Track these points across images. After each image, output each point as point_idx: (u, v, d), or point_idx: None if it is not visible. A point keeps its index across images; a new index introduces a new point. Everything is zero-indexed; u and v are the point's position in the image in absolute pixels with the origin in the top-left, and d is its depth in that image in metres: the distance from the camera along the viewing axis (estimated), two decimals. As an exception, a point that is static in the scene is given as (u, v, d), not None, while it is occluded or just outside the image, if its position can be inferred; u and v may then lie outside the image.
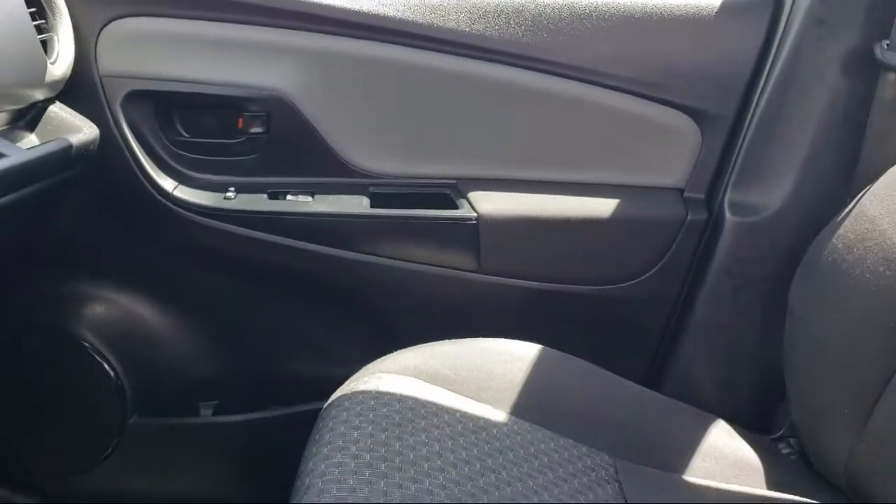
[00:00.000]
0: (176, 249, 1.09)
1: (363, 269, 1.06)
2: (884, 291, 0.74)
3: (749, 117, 1.01)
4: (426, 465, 0.69)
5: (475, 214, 1.04)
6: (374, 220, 1.04)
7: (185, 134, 1.07)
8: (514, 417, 0.81)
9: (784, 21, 0.98)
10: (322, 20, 0.99)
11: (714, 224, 1.04)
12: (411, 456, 0.69)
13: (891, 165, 0.83)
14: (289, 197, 1.06)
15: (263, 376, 1.18)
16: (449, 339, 0.92)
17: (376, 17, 0.99)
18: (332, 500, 0.63)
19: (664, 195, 1.07)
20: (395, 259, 1.06)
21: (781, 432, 1.01)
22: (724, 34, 1.00)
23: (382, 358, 0.87)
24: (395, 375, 0.82)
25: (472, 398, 0.82)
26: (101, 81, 1.00)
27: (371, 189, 1.07)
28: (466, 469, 0.70)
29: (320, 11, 0.98)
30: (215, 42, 1.01)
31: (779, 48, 0.98)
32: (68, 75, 0.96)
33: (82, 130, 0.95)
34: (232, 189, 1.06)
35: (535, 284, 1.08)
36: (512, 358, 0.89)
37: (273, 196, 1.06)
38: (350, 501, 0.63)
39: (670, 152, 1.06)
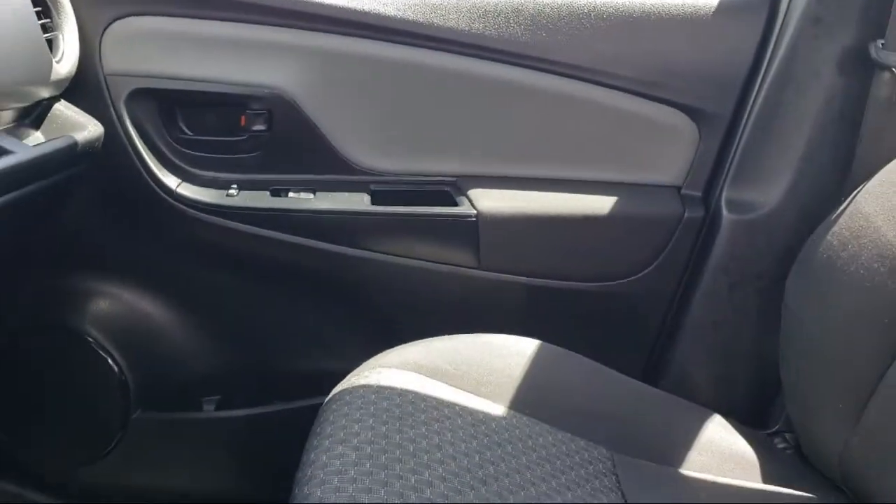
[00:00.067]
0: (179, 246, 1.09)
1: (364, 266, 1.07)
2: (878, 287, 0.75)
3: (746, 116, 1.01)
4: (426, 457, 0.69)
5: (475, 211, 1.05)
6: (374, 217, 1.05)
7: (188, 132, 1.07)
8: (512, 411, 0.82)
9: (780, 20, 0.99)
10: (323, 20, 1.00)
11: (711, 221, 1.04)
12: (411, 448, 0.70)
13: (886, 163, 0.84)
14: (290, 194, 1.07)
15: (265, 371, 1.18)
16: (449, 334, 0.92)
17: (377, 16, 0.99)
18: (333, 490, 0.64)
19: (662, 192, 1.07)
20: (396, 256, 1.07)
21: (777, 427, 1.01)
22: (722, 33, 1.01)
23: (383, 353, 0.88)
24: (395, 370, 0.83)
25: (471, 392, 0.83)
26: (105, 80, 1.01)
27: (372, 186, 1.07)
28: (465, 461, 0.71)
29: (322, 11, 0.99)
30: (218, 41, 1.01)
31: (775, 47, 0.99)
32: (73, 73, 0.97)
33: (87, 128, 0.96)
34: (234, 186, 1.06)
35: (533, 281, 1.08)
36: (511, 353, 0.90)
37: (275, 193, 1.07)
38: (351, 491, 0.63)
39: (668, 150, 1.06)
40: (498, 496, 0.67)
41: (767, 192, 1.00)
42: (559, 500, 0.70)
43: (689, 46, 1.01)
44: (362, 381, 0.81)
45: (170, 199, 1.05)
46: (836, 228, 0.83)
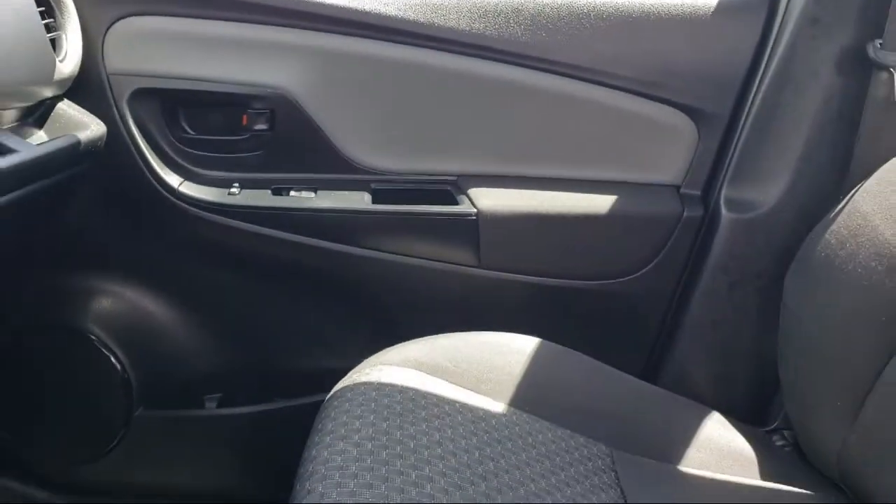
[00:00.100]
0: (181, 244, 1.10)
1: (365, 264, 1.07)
2: (875, 286, 0.75)
3: (745, 115, 1.02)
4: (426, 453, 0.70)
5: (475, 210, 1.05)
6: (375, 215, 1.06)
7: (190, 131, 1.07)
8: (512, 408, 0.82)
9: (779, 20, 0.99)
10: (325, 19, 1.00)
11: (710, 220, 1.05)
12: (412, 444, 0.71)
13: (883, 163, 0.84)
14: (292, 193, 1.07)
15: (267, 369, 1.19)
16: (449, 332, 0.93)
17: (378, 16, 1.00)
18: (334, 486, 0.64)
19: (661, 192, 1.08)
20: (397, 254, 1.07)
21: (775, 424, 1.01)
22: (721, 33, 1.01)
23: (384, 350, 0.88)
24: (396, 367, 0.84)
25: (471, 390, 0.84)
26: (108, 79, 1.01)
27: (373, 185, 1.08)
28: (466, 457, 0.71)
29: (323, 11, 1.00)
30: (220, 41, 1.02)
31: (774, 47, 0.99)
32: (76, 73, 0.97)
33: (90, 127, 0.96)
34: (236, 185, 1.07)
35: (533, 279, 1.09)
36: (511, 351, 0.90)
37: (277, 192, 1.07)
38: (352, 486, 0.64)
39: (667, 150, 1.07)
40: (497, 492, 0.68)
41: (766, 191, 1.00)
42: (559, 496, 0.71)
43: (688, 46, 1.02)
44: (363, 379, 0.82)
45: (172, 198, 1.05)
46: (834, 227, 0.84)
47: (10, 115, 0.90)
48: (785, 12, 0.99)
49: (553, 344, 0.93)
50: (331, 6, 0.99)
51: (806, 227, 0.90)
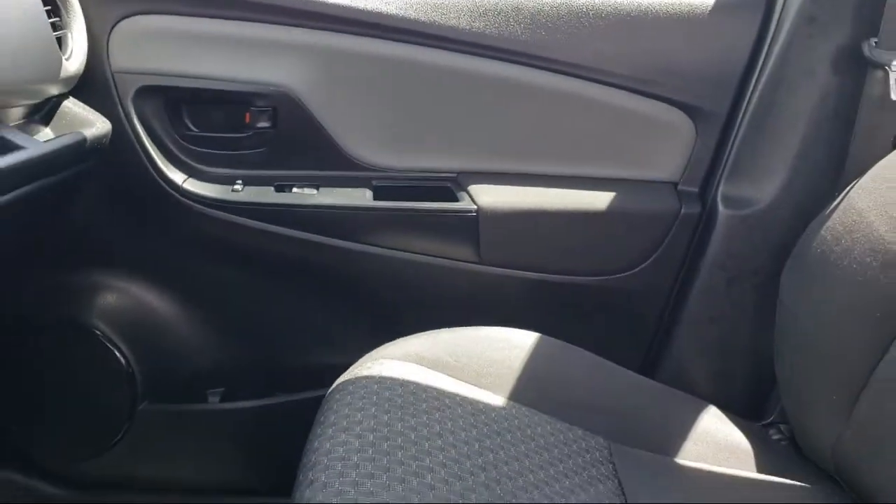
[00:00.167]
0: (185, 240, 1.10)
1: (366, 260, 1.08)
2: (870, 282, 0.76)
3: (742, 113, 1.02)
4: (427, 445, 0.71)
5: (475, 207, 1.06)
6: (376, 212, 1.06)
7: (193, 128, 1.08)
8: (512, 402, 0.83)
9: (776, 19, 1.00)
10: (326, 18, 1.01)
11: (707, 217, 1.05)
12: (413, 436, 0.71)
13: (878, 160, 0.85)
14: (294, 190, 1.08)
15: (270, 364, 1.19)
16: (450, 327, 0.93)
17: (380, 14, 1.00)
18: (336, 475, 0.65)
19: (659, 189, 1.08)
20: (398, 250, 1.08)
21: (772, 418, 1.02)
22: (718, 32, 1.02)
23: (385, 345, 0.89)
24: (397, 361, 0.84)
25: (471, 384, 0.84)
26: (112, 77, 1.02)
27: (374, 182, 1.09)
28: (465, 448, 0.72)
29: (325, 10, 1.00)
30: (223, 39, 1.02)
31: (771, 46, 1.00)
32: (81, 71, 0.98)
33: (95, 125, 0.97)
34: (239, 182, 1.07)
35: (533, 275, 1.09)
36: (510, 346, 0.91)
37: (279, 189, 1.08)
38: (354, 476, 0.65)
39: (665, 147, 1.07)
40: (496, 482, 0.69)
41: (763, 188, 1.01)
42: (556, 487, 0.71)
43: (685, 45, 1.02)
44: (365, 372, 0.82)
45: (176, 195, 1.06)
46: (829, 224, 0.84)
47: (17, 113, 0.90)
48: (782, 11, 0.99)
49: (552, 339, 0.94)
50: (333, 5, 1.00)
51: (802, 224, 0.91)
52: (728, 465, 0.84)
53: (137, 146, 1.04)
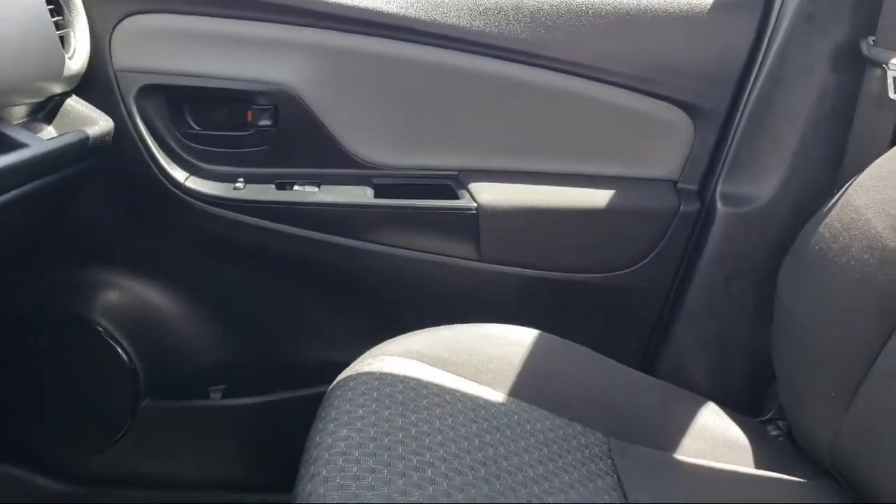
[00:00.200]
0: (187, 238, 1.11)
1: (367, 258, 1.08)
2: (868, 279, 0.77)
3: (740, 111, 1.03)
4: (427, 440, 0.71)
5: (475, 204, 1.06)
6: (377, 209, 1.06)
7: (195, 126, 1.09)
8: (511, 398, 0.84)
9: (774, 18, 1.00)
10: (328, 17, 1.01)
11: (706, 215, 1.06)
12: (413, 431, 0.72)
13: (876, 157, 0.85)
14: (296, 187, 1.08)
15: (271, 361, 1.20)
16: (450, 324, 0.94)
17: (380, 13, 1.01)
18: (337, 470, 0.66)
19: (658, 186, 1.09)
20: (398, 248, 1.08)
21: (770, 414, 1.02)
22: (717, 31, 1.02)
23: (386, 342, 0.90)
24: (398, 358, 0.85)
25: (471, 380, 0.85)
26: (115, 76, 1.02)
27: (375, 180, 1.09)
28: (465, 443, 0.73)
29: (326, 9, 1.01)
30: (225, 38, 1.03)
31: (769, 44, 1.00)
32: (84, 70, 0.98)
33: (98, 123, 0.97)
34: (241, 180, 1.08)
35: (532, 272, 1.10)
36: (510, 342, 0.92)
37: (281, 186, 1.08)
38: (355, 471, 0.65)
39: (664, 145, 1.08)
40: (496, 477, 0.70)
41: (761, 185, 1.01)
42: (556, 482, 0.72)
43: (685, 44, 1.02)
44: (366, 369, 0.83)
45: (178, 193, 1.06)
46: (827, 221, 0.85)
47: (21, 111, 0.91)
48: (780, 9, 1.00)
49: (552, 336, 0.94)
50: (334, 4, 1.00)
51: (801, 222, 0.91)
52: (726, 461, 0.84)
53: (140, 144, 1.04)
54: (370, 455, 0.68)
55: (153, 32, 1.02)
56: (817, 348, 0.83)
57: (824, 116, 0.98)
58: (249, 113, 1.06)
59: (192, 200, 1.06)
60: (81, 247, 1.13)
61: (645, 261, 1.09)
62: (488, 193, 1.07)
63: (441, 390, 0.81)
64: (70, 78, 0.95)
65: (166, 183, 1.06)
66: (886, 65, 0.89)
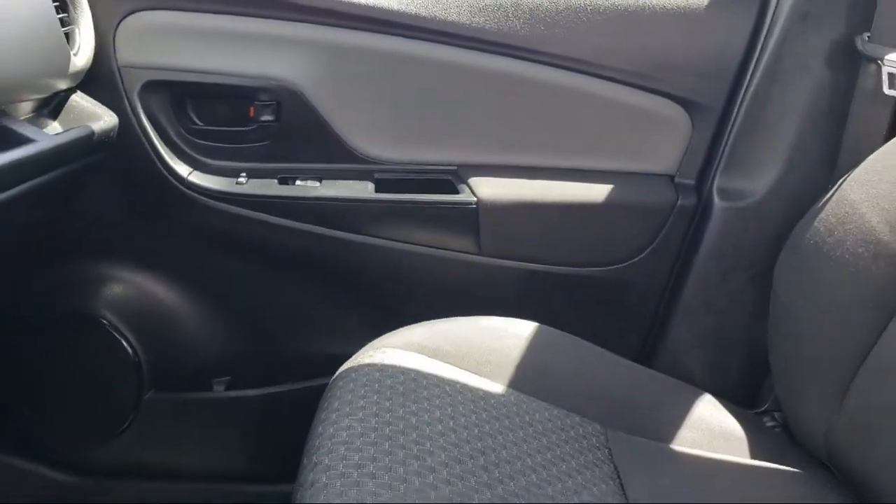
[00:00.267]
0: (190, 232, 1.11)
1: (368, 252, 1.09)
2: (862, 272, 0.77)
3: (737, 107, 1.03)
4: (428, 430, 0.72)
5: (475, 199, 1.07)
6: (378, 204, 1.07)
7: (198, 122, 1.09)
8: (511, 389, 0.84)
9: (770, 14, 1.01)
10: (330, 14, 1.02)
11: (703, 209, 1.06)
12: (414, 421, 0.73)
13: (871, 152, 0.86)
14: (298, 182, 1.09)
15: (274, 353, 1.20)
16: (450, 317, 0.94)
17: (381, 10, 1.01)
18: (339, 458, 0.67)
19: (656, 181, 1.09)
20: (399, 242, 1.09)
21: (766, 406, 1.03)
22: (714, 27, 1.03)
23: (387, 334, 0.90)
24: (399, 350, 0.86)
25: (471, 372, 0.86)
26: (119, 72, 1.03)
27: (376, 175, 1.09)
28: (465, 433, 0.74)
29: (328, 5, 1.01)
30: (227, 34, 1.03)
31: (765, 41, 1.00)
32: (89, 66, 0.99)
33: (102, 118, 0.98)
34: (243, 174, 1.08)
35: (532, 266, 1.10)
36: (510, 335, 0.92)
37: (283, 181, 1.09)
38: (357, 459, 0.67)
39: (662, 140, 1.08)
40: (495, 465, 0.71)
41: (758, 180, 1.02)
42: (554, 471, 0.73)
43: (682, 40, 1.03)
44: (367, 360, 0.84)
45: (181, 187, 1.07)
46: (822, 215, 0.86)
47: (27, 107, 0.92)
48: (776, 6, 1.00)
49: (550, 328, 0.95)
50: (335, 1, 1.01)
51: (797, 216, 0.92)
52: (722, 452, 0.85)
53: (143, 139, 1.05)
54: (371, 444, 0.69)
55: (157, 29, 1.03)
56: (812, 342, 0.84)
57: (820, 112, 0.99)
58: (252, 108, 1.07)
59: (196, 195, 1.07)
60: (86, 241, 1.14)
61: (643, 255, 1.10)
62: (488, 188, 1.08)
63: (441, 381, 0.82)
64: (75, 74, 0.95)
65: (170, 178, 1.07)
66: (881, 61, 0.90)
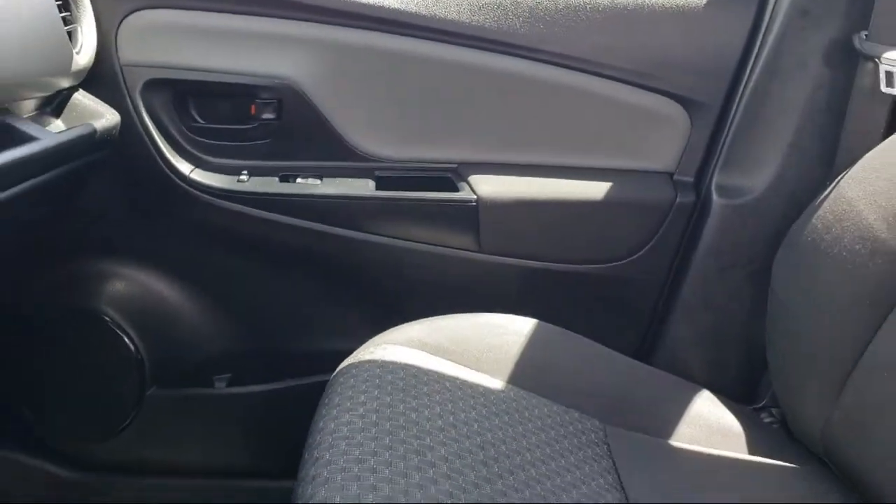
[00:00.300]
0: (192, 229, 1.12)
1: (369, 249, 1.09)
2: (859, 269, 0.78)
3: (736, 105, 1.04)
4: (428, 425, 0.73)
5: (475, 197, 1.07)
6: (379, 202, 1.08)
7: (200, 120, 1.10)
8: (510, 385, 0.85)
9: (769, 13, 1.01)
10: (331, 12, 1.02)
11: (702, 206, 1.07)
12: (414, 416, 0.74)
13: (868, 150, 0.86)
14: (299, 180, 1.09)
15: (275, 350, 1.21)
16: (450, 314, 0.95)
17: (382, 9, 1.02)
18: (340, 453, 0.67)
19: (655, 178, 1.10)
20: (400, 239, 1.09)
21: (764, 402, 1.03)
22: (713, 25, 1.03)
23: (388, 331, 0.91)
24: (399, 347, 0.86)
25: (471, 368, 0.86)
26: (121, 70, 1.03)
27: (376, 173, 1.10)
28: (465, 429, 0.74)
29: (329, 4, 1.02)
30: (229, 33, 1.04)
31: (764, 38, 1.01)
32: (91, 64, 0.99)
33: (105, 116, 0.98)
34: (245, 172, 1.09)
35: (531, 263, 1.11)
36: (509, 332, 0.93)
37: (284, 179, 1.09)
38: (357, 454, 0.67)
39: (661, 138, 1.09)
40: (494, 460, 0.71)
41: (756, 177, 1.03)
42: (552, 465, 0.74)
43: (681, 38, 1.03)
44: (368, 357, 0.84)
45: (183, 185, 1.07)
46: (820, 213, 0.86)
47: (30, 105, 0.92)
48: (775, 5, 1.01)
49: (550, 325, 0.96)
50: (336, 0, 1.01)
51: (795, 213, 0.93)
52: (720, 448, 0.86)
53: (146, 137, 1.05)
54: (372, 439, 0.69)
55: (159, 28, 1.03)
56: (809, 339, 0.84)
57: (818, 110, 0.99)
58: (253, 107, 1.07)
59: (197, 192, 1.07)
60: (89, 239, 1.14)
61: (642, 252, 1.10)
62: (488, 186, 1.08)
63: (441, 377, 0.82)
64: (77, 73, 0.96)
65: (171, 175, 1.07)
66: (878, 59, 0.90)
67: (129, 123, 1.04)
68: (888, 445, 0.73)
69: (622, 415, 0.86)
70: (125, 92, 1.04)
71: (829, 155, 0.98)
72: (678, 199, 1.08)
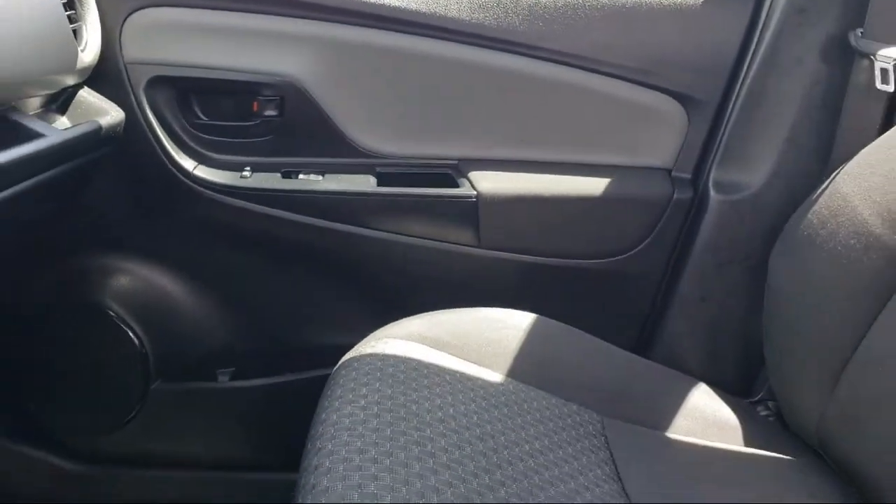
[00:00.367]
0: (195, 225, 1.12)
1: (370, 244, 1.10)
2: (854, 264, 0.79)
3: (733, 101, 1.04)
4: (428, 417, 0.74)
5: (475, 193, 1.08)
6: (380, 197, 1.08)
7: (203, 117, 1.10)
8: (509, 379, 0.86)
9: (766, 10, 1.02)
10: (332, 10, 1.03)
11: (699, 202, 1.07)
12: (415, 408, 0.75)
13: (864, 146, 0.87)
14: (301, 176, 1.10)
15: (277, 345, 1.21)
16: (450, 308, 0.96)
17: (383, 7, 1.02)
18: (342, 444, 0.68)
19: (653, 175, 1.10)
20: (400, 234, 1.10)
21: (760, 396, 1.04)
22: (710, 23, 1.03)
23: (389, 325, 0.92)
24: (400, 340, 0.87)
25: (471, 361, 0.87)
26: (125, 68, 1.04)
27: (378, 169, 1.11)
28: (465, 420, 0.75)
29: (331, 2, 1.02)
30: (232, 31, 1.04)
31: (761, 35, 1.01)
32: (95, 62, 1.00)
33: (109, 114, 0.99)
34: (247, 169, 1.09)
35: (531, 258, 1.11)
36: (509, 326, 0.94)
37: (286, 175, 1.10)
38: (359, 444, 0.68)
39: (659, 134, 1.09)
40: (493, 451, 0.72)
41: (753, 173, 1.03)
42: (550, 456, 0.75)
43: (679, 36, 1.04)
44: (369, 350, 0.85)
45: (187, 181, 1.08)
46: (816, 208, 0.87)
47: (35, 103, 0.93)
48: (772, 2, 1.01)
49: (549, 319, 0.96)
50: (338, -2, 1.02)
51: (791, 209, 0.93)
52: (717, 440, 0.86)
53: (149, 134, 1.06)
54: (373, 430, 0.70)
55: (162, 25, 1.04)
56: (805, 333, 0.85)
57: (814, 106, 1.00)
58: (256, 104, 1.08)
59: (201, 189, 1.08)
60: (93, 235, 1.15)
61: (640, 247, 1.11)
62: (488, 182, 1.09)
63: (441, 371, 0.83)
64: (82, 70, 0.96)
65: (175, 172, 1.08)
66: (874, 56, 0.91)
67: (133, 120, 1.04)
68: (883, 439, 0.74)
69: (620, 407, 0.87)
70: (129, 89, 1.04)
71: (825, 151, 0.99)
72: (676, 195, 1.08)
